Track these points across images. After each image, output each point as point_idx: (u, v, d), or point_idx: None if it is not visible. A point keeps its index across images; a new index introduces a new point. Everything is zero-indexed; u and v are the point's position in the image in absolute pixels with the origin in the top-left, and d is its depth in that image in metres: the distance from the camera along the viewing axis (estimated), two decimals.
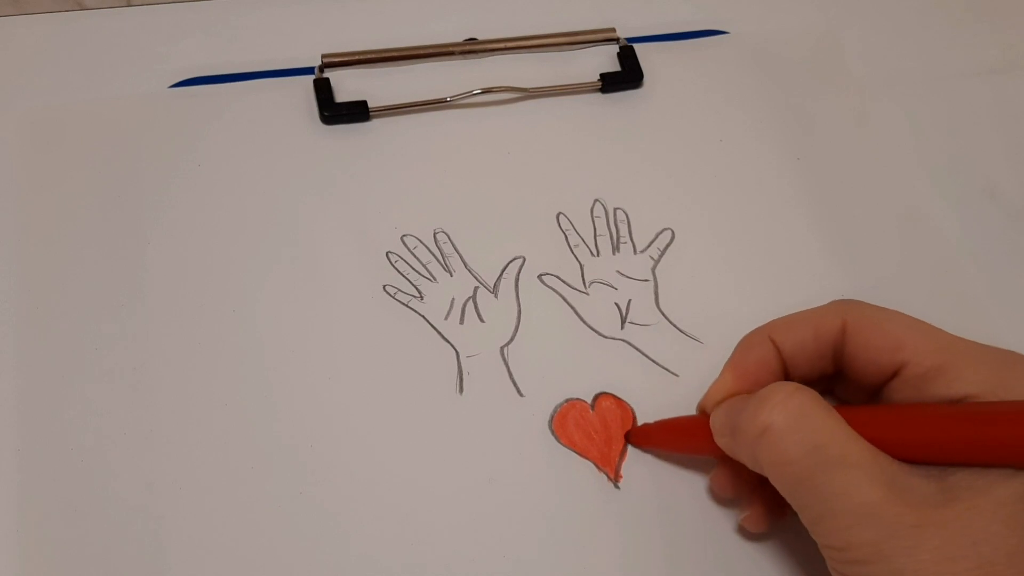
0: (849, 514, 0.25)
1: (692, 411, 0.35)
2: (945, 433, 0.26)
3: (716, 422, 0.30)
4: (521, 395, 0.35)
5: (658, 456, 0.34)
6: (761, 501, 0.32)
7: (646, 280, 0.39)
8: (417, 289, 0.37)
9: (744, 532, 0.33)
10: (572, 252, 0.39)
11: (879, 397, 0.30)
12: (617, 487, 0.34)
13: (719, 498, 0.34)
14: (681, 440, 0.34)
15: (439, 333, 0.36)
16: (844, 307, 0.30)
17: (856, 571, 0.26)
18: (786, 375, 0.31)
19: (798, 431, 0.27)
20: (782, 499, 0.28)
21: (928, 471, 0.26)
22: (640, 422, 0.35)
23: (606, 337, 0.37)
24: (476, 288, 0.38)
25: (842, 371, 0.31)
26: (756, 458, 0.28)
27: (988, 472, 0.25)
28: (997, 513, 0.25)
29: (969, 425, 0.26)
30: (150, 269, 0.37)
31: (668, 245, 0.39)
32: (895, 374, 0.29)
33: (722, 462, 0.32)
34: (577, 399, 0.35)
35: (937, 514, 0.25)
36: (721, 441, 0.30)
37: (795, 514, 0.28)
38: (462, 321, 0.37)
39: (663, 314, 0.38)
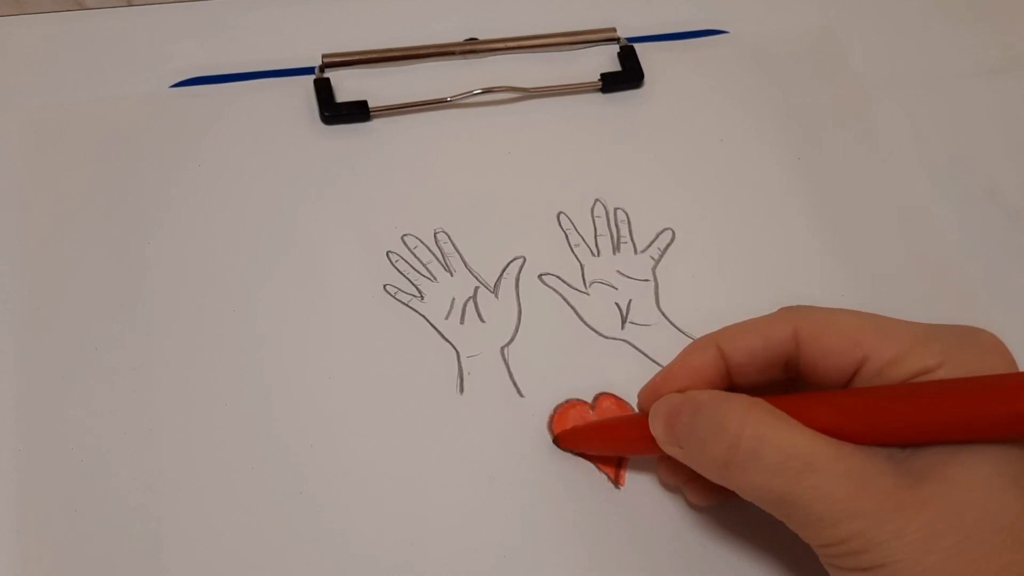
0: (830, 515, 0.26)
1: None
2: (898, 416, 0.26)
3: (658, 430, 0.30)
4: (521, 395, 0.35)
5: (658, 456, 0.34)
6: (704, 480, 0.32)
7: (646, 280, 0.39)
8: (417, 289, 0.37)
9: (738, 532, 0.33)
10: (572, 252, 0.39)
11: None
12: (617, 487, 0.34)
13: (668, 487, 0.33)
14: (614, 442, 0.34)
15: (439, 333, 0.36)
16: (793, 313, 0.30)
17: (851, 563, 0.26)
18: (731, 384, 0.30)
19: (760, 456, 0.26)
20: None
21: (895, 454, 0.26)
22: None
23: (606, 337, 0.37)
24: (476, 288, 0.38)
25: (801, 377, 0.30)
26: (722, 480, 0.28)
27: (957, 447, 0.25)
28: (971, 482, 0.25)
29: (917, 406, 0.26)
30: (150, 269, 0.37)
31: (668, 245, 0.39)
32: (856, 372, 0.28)
33: (663, 457, 0.31)
34: (577, 399, 0.35)
35: (914, 494, 0.25)
36: (669, 450, 0.29)
37: None
38: (462, 321, 0.37)
39: (663, 314, 0.38)
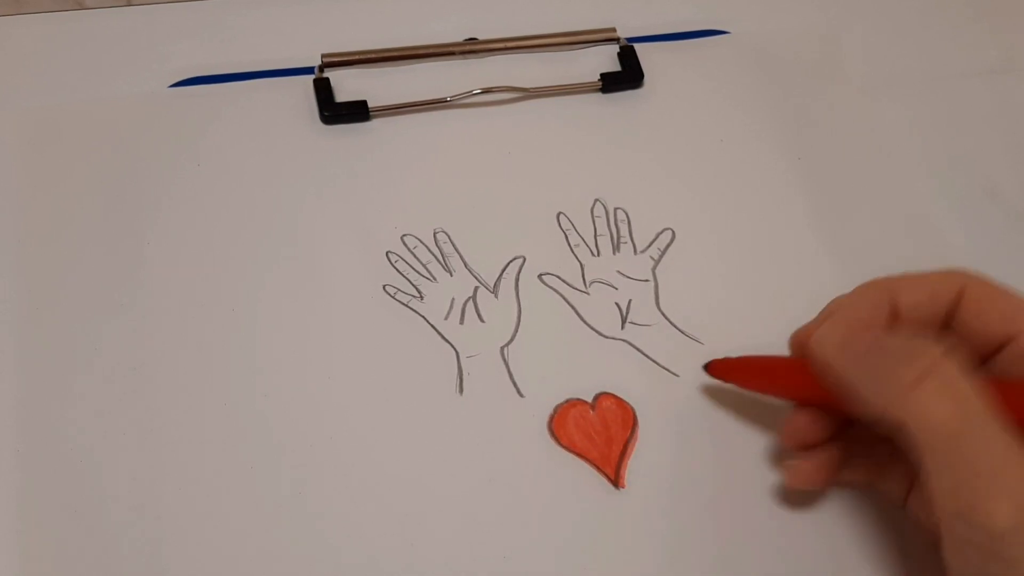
0: (991, 483, 0.25)
1: (693, 412, 0.35)
2: None
3: (828, 349, 0.30)
4: (521, 395, 0.35)
5: (658, 456, 0.34)
6: (828, 455, 0.31)
7: (646, 280, 0.38)
8: (417, 289, 0.37)
9: (738, 532, 0.33)
10: (572, 252, 0.39)
11: (983, 370, 0.29)
12: (617, 488, 0.34)
13: (790, 446, 0.32)
14: (767, 379, 0.33)
15: (439, 333, 0.36)
16: (963, 275, 0.30)
17: (979, 537, 0.25)
18: None
19: (954, 388, 0.26)
20: (845, 459, 0.29)
21: None
22: (640, 422, 0.35)
23: (606, 337, 0.37)
24: (476, 288, 0.38)
25: (955, 331, 0.30)
26: (890, 404, 0.27)
27: None
28: None
29: None
30: (150, 269, 0.37)
31: (668, 245, 0.39)
32: (1002, 346, 0.29)
33: (800, 409, 0.32)
34: (577, 399, 0.35)
35: None
36: (836, 366, 0.29)
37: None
38: (462, 321, 0.37)
39: (663, 314, 0.38)
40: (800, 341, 0.32)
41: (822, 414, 0.31)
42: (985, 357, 0.30)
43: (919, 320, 0.30)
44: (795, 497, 0.34)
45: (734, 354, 0.35)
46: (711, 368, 0.35)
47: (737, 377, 0.34)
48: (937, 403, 0.26)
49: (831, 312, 0.32)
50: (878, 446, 0.31)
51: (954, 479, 0.26)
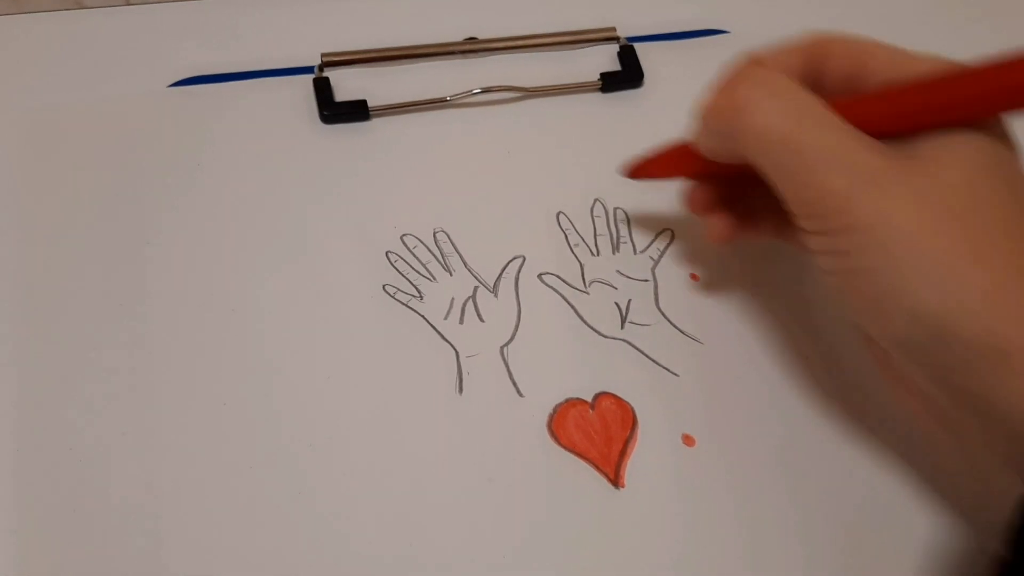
0: (826, 164, 0.27)
1: (695, 412, 0.35)
2: (903, 101, 0.28)
3: (696, 119, 0.31)
4: (521, 395, 0.35)
5: (658, 456, 0.34)
6: (729, 214, 0.35)
7: (646, 280, 0.39)
8: (417, 289, 0.37)
9: (738, 532, 0.33)
10: (572, 252, 0.39)
11: None
12: (616, 488, 0.34)
13: (694, 212, 0.36)
14: (669, 164, 0.36)
15: (439, 333, 0.36)
16: (816, 34, 0.32)
17: (834, 223, 0.27)
18: None
19: (774, 96, 0.28)
20: (749, 213, 0.32)
21: (898, 141, 0.28)
22: (640, 422, 0.35)
23: (606, 337, 0.37)
24: (476, 288, 0.38)
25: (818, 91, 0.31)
26: (734, 135, 0.29)
27: (949, 135, 0.27)
28: (962, 165, 0.27)
29: (924, 90, 0.28)
30: (149, 269, 0.37)
31: (668, 245, 0.39)
32: (858, 82, 0.30)
33: (700, 182, 0.35)
34: (577, 399, 0.35)
35: (905, 164, 0.27)
36: (701, 139, 0.31)
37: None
38: (462, 321, 0.37)
39: (663, 314, 0.38)
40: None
41: (714, 183, 0.35)
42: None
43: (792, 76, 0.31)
44: (795, 496, 0.34)
45: (733, 354, 0.36)
46: (630, 172, 0.38)
47: (650, 172, 0.37)
48: (765, 114, 0.28)
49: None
50: (775, 202, 0.31)
51: (795, 181, 0.28)
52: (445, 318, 0.37)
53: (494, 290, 0.38)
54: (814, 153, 0.27)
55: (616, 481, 0.34)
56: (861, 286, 0.27)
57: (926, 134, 0.27)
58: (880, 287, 0.27)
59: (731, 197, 0.35)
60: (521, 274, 0.38)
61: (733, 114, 0.29)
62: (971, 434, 0.29)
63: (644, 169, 0.38)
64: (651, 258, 0.39)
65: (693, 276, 0.39)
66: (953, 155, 0.27)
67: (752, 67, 0.30)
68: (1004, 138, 0.28)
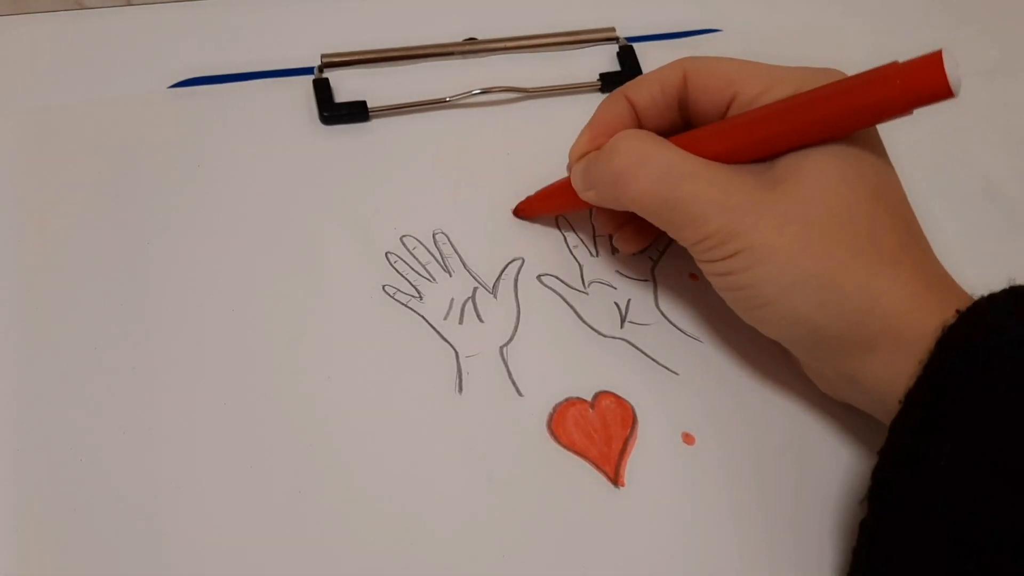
0: (702, 212, 0.31)
1: (695, 410, 0.35)
2: (758, 129, 0.31)
3: (576, 180, 0.35)
4: (520, 395, 0.35)
5: (658, 455, 0.34)
6: (632, 227, 0.37)
7: (645, 280, 0.39)
8: (416, 289, 0.37)
9: (745, 532, 0.33)
10: (571, 252, 0.39)
11: None
12: (616, 487, 0.34)
13: (600, 230, 0.39)
14: (557, 203, 0.39)
15: (438, 333, 0.36)
16: (683, 61, 0.34)
17: (719, 253, 0.31)
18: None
19: (645, 166, 0.32)
20: (648, 226, 0.34)
21: (756, 167, 0.32)
22: (640, 421, 0.35)
23: (606, 336, 0.37)
24: (475, 288, 0.38)
25: (688, 119, 0.35)
26: (618, 199, 0.33)
27: (806, 152, 0.31)
28: (817, 181, 0.30)
29: (763, 119, 0.31)
30: (150, 269, 0.37)
31: (668, 246, 0.39)
32: (728, 107, 0.33)
33: (597, 210, 0.38)
34: (577, 398, 0.35)
35: (770, 193, 0.31)
36: (586, 196, 0.35)
37: None
38: (461, 321, 0.37)
39: (662, 313, 0.38)
40: (570, 165, 0.37)
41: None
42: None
43: (657, 114, 0.35)
44: (796, 496, 0.34)
45: (733, 353, 0.36)
46: (518, 211, 0.39)
47: (537, 209, 0.39)
48: (635, 186, 0.32)
49: (585, 136, 0.36)
50: None
51: (679, 231, 0.32)
52: (445, 318, 0.37)
53: (493, 291, 0.38)
54: (690, 206, 0.31)
55: (616, 480, 0.34)
56: (747, 299, 0.32)
57: (790, 153, 0.31)
58: (762, 299, 0.31)
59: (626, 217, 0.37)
60: (520, 275, 0.38)
61: (613, 183, 0.33)
62: (851, 399, 0.33)
63: (534, 206, 0.39)
64: (650, 258, 0.39)
65: (692, 276, 0.39)
66: (811, 171, 0.30)
67: (624, 136, 0.33)
68: (870, 147, 0.32)
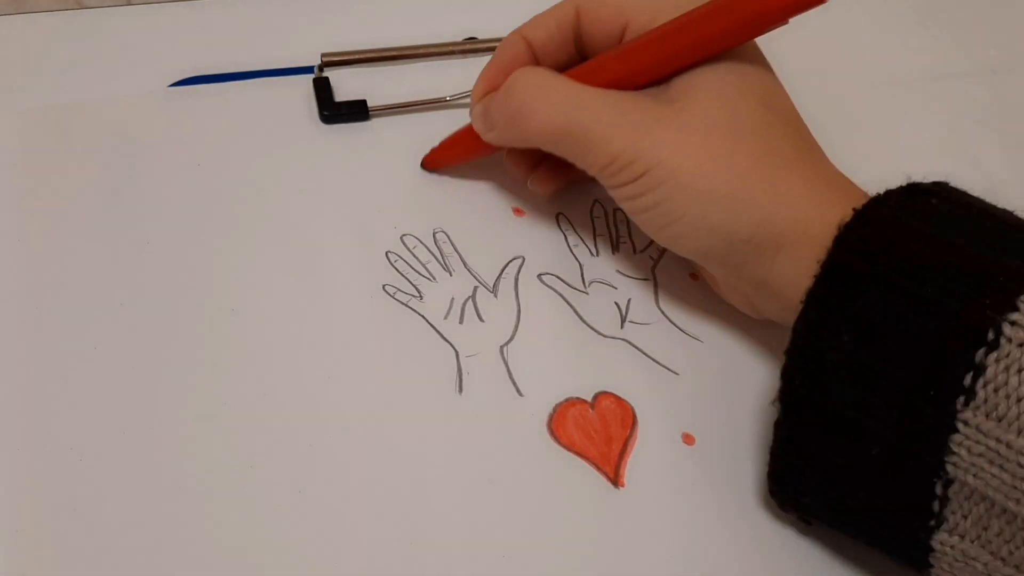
0: (604, 135, 0.32)
1: (695, 410, 0.35)
2: (648, 52, 0.33)
3: (477, 123, 0.36)
4: (521, 394, 0.35)
5: (658, 455, 0.34)
6: (545, 166, 0.38)
7: (646, 279, 0.39)
8: (416, 289, 0.37)
9: (745, 532, 0.33)
10: (571, 252, 0.39)
11: None
12: (616, 487, 0.34)
13: (514, 175, 0.39)
14: (463, 150, 0.39)
15: (438, 333, 0.36)
16: None
17: (625, 176, 0.32)
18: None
19: (543, 98, 0.33)
20: (561, 164, 0.35)
21: (654, 89, 0.33)
22: (640, 421, 0.35)
23: (606, 336, 0.37)
24: (476, 288, 0.38)
25: (585, 53, 0.36)
26: (520, 135, 0.34)
27: (698, 70, 0.32)
28: (711, 94, 0.32)
29: (651, 41, 0.33)
30: (149, 268, 0.37)
31: None
32: (622, 38, 0.34)
33: (508, 152, 0.38)
34: (577, 398, 0.35)
35: (668, 109, 0.32)
36: (488, 136, 0.36)
37: None
38: (461, 321, 0.37)
39: (663, 313, 0.38)
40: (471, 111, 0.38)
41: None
42: None
43: (555, 50, 0.36)
44: None
45: (733, 353, 0.36)
46: (426, 163, 0.40)
47: (445, 159, 0.39)
48: (535, 121, 0.33)
49: (484, 78, 0.37)
50: None
51: (585, 157, 0.33)
52: (445, 318, 0.37)
53: (494, 290, 0.38)
54: (593, 132, 0.32)
55: (616, 480, 0.34)
56: (659, 216, 0.32)
57: (683, 72, 0.32)
58: (675, 214, 0.32)
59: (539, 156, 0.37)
60: (521, 274, 0.38)
61: (514, 119, 0.34)
62: (767, 311, 0.34)
63: (440, 157, 0.39)
64: (651, 258, 0.39)
65: (693, 276, 0.39)
66: (704, 85, 0.32)
67: (521, 73, 0.34)
68: (757, 61, 0.33)
